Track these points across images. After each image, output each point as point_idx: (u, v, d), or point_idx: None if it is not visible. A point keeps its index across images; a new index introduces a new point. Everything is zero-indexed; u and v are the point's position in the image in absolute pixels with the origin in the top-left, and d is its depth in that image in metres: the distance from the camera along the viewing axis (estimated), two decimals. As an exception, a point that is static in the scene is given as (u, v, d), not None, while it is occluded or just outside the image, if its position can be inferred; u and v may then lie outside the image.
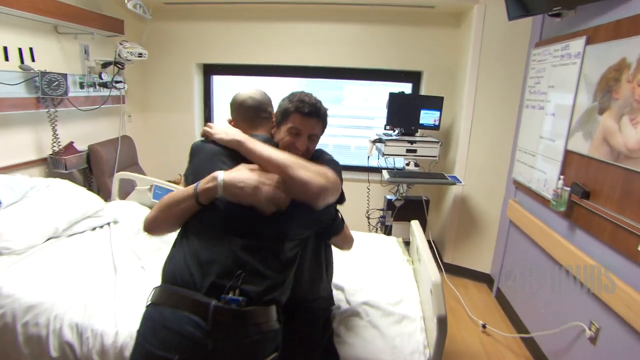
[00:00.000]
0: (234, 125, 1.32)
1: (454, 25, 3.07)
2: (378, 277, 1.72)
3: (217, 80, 3.68)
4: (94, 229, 1.95)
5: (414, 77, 3.34)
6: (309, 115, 1.19)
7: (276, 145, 1.21)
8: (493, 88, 2.75)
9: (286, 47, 3.26)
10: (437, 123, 2.95)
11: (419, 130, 3.11)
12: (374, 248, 2.05)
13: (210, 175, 1.04)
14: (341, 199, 1.26)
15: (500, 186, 2.80)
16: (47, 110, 2.30)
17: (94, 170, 2.60)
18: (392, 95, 2.94)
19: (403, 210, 2.99)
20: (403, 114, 2.98)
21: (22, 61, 2.17)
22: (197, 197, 1.04)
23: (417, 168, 2.92)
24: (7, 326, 1.38)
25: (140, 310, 1.06)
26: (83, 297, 1.45)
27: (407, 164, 2.94)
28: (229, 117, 1.34)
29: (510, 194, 2.62)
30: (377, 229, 3.19)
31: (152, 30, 3.28)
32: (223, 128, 1.21)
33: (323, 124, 1.25)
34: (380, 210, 3.13)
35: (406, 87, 3.41)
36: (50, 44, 2.41)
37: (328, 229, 1.29)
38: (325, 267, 1.40)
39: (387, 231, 3.06)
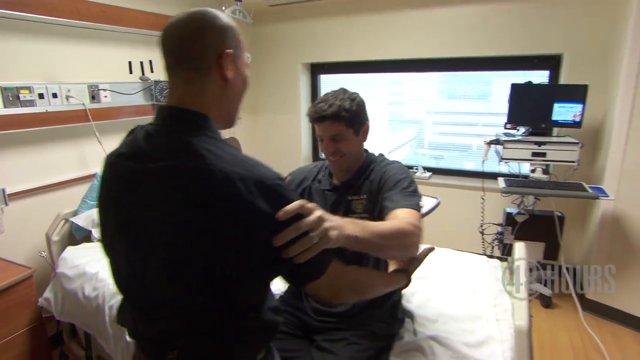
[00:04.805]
0: None
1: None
2: (461, 309, 1.49)
3: (327, 80, 3.76)
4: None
5: (551, 62, 2.83)
6: (318, 121, 1.24)
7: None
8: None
9: (397, 39, 3.13)
10: (578, 119, 2.43)
11: (553, 129, 2.62)
12: (467, 272, 1.78)
13: None
14: None
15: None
16: (160, 115, 2.70)
17: (199, 170, 2.94)
18: (515, 86, 2.54)
19: (528, 228, 2.57)
20: (530, 109, 2.54)
21: (142, 73, 2.59)
22: None
23: (546, 176, 2.45)
24: (99, 307, 1.65)
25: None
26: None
27: (533, 171, 2.50)
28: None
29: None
30: (492, 248, 2.80)
31: (258, 34, 3.56)
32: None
33: (345, 121, 1.23)
34: (497, 225, 2.74)
35: (542, 76, 2.91)
36: (167, 56, 2.82)
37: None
38: None
39: (505, 251, 2.66)
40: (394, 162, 1.32)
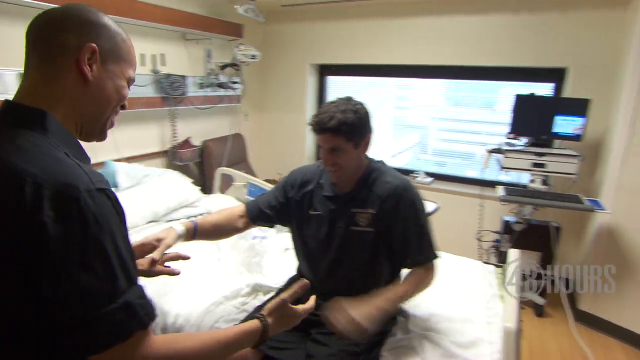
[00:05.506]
0: None
1: (617, 6, 2.52)
2: (453, 311, 1.54)
3: (334, 81, 3.81)
4: (188, 217, 2.26)
5: (556, 75, 2.87)
6: (319, 132, 1.23)
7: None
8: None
9: (406, 44, 3.19)
10: (578, 132, 2.47)
11: (554, 140, 2.67)
12: (461, 275, 1.83)
13: None
14: None
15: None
16: (168, 108, 2.76)
17: (204, 164, 3.01)
18: (519, 97, 2.59)
19: (525, 237, 2.61)
20: (532, 121, 2.59)
21: (154, 65, 2.65)
22: None
23: (545, 187, 2.50)
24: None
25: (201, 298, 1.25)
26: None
27: (532, 181, 2.54)
28: None
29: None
30: (488, 256, 2.85)
31: (268, 32, 3.62)
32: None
33: (345, 135, 1.21)
34: (495, 232, 2.79)
35: (547, 88, 2.96)
36: (178, 50, 2.89)
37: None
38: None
39: (501, 259, 2.71)
40: (402, 179, 1.33)
